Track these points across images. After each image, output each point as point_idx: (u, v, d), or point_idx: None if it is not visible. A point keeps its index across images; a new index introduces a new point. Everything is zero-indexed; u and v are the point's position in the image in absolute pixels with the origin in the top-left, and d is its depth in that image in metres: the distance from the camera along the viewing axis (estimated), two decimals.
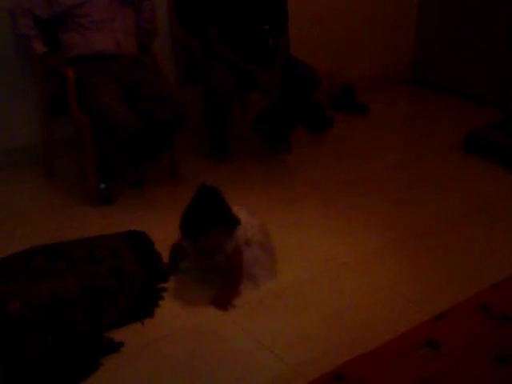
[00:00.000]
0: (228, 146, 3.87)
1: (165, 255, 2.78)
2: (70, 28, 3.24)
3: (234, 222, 2.44)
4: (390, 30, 5.30)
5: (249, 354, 2.25)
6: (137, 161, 3.47)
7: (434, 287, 2.66)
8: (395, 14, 5.27)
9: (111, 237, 2.94)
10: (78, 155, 3.43)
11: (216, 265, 2.54)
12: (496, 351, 2.24)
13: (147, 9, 3.49)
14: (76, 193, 3.37)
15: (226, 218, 2.43)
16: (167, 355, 2.23)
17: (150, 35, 3.57)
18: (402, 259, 2.87)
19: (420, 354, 2.22)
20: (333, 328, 2.39)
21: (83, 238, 2.90)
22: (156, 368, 2.17)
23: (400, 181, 3.74)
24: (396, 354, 2.21)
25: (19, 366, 2.12)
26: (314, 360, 2.21)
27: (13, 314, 2.31)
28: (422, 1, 5.38)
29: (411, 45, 5.55)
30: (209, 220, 2.37)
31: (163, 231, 2.98)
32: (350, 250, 2.94)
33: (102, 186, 3.28)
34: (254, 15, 3.72)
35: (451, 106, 5.06)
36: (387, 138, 4.38)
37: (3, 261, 2.69)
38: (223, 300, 2.48)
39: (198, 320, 2.42)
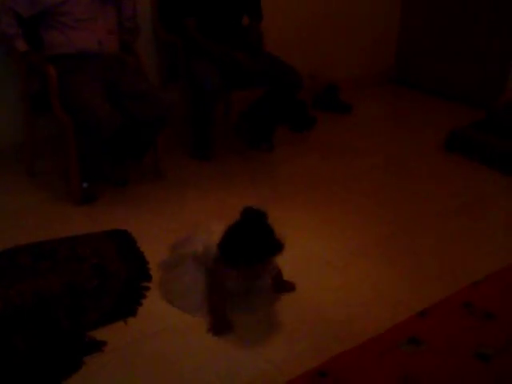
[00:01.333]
0: (210, 144, 3.87)
1: (147, 254, 2.78)
2: (51, 26, 3.22)
3: (281, 244, 2.34)
4: (373, 29, 5.32)
5: (231, 352, 2.25)
6: (120, 159, 3.46)
7: (416, 285, 2.67)
8: (378, 14, 5.29)
9: (94, 235, 2.92)
10: (60, 154, 3.41)
11: (255, 283, 2.52)
12: (478, 348, 2.25)
13: (128, 7, 3.49)
14: (59, 191, 3.35)
15: (277, 243, 2.33)
16: (150, 354, 2.22)
17: (132, 33, 3.57)
18: (385, 257, 2.88)
19: (403, 350, 2.24)
20: (316, 325, 2.40)
21: (66, 237, 2.88)
22: (139, 367, 2.16)
23: (382, 180, 3.76)
24: (379, 351, 2.22)
25: (1, 365, 2.10)
26: (297, 357, 2.21)
27: None
28: (404, 1, 5.41)
29: (394, 45, 5.58)
30: (268, 249, 2.30)
31: (146, 230, 2.98)
32: (332, 248, 2.95)
33: (85, 184, 3.27)
34: (230, 6, 3.76)
35: (434, 106, 5.09)
36: (370, 138, 4.39)
37: None
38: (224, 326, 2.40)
39: (180, 319, 2.41)
